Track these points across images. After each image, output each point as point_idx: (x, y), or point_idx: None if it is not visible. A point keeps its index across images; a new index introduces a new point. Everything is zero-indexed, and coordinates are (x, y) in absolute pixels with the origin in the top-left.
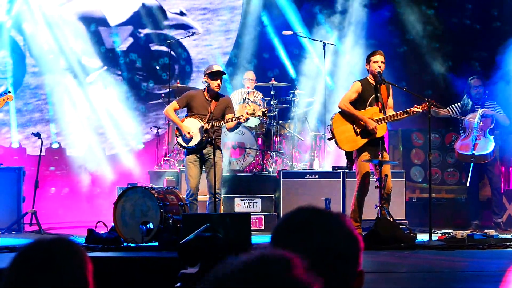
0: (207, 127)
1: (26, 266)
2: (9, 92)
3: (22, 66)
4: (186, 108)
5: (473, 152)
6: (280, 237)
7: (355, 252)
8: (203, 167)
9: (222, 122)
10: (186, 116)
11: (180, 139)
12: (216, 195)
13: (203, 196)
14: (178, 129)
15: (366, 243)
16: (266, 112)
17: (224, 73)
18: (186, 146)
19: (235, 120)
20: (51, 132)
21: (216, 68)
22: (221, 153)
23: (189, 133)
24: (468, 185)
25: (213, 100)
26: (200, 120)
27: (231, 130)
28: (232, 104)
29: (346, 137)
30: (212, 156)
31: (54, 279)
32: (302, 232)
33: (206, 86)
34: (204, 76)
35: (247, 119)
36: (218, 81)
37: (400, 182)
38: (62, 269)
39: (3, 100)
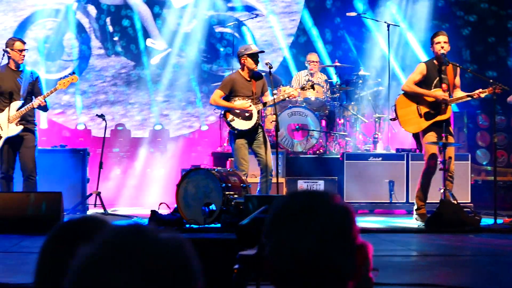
0: (258, 108)
1: (56, 246)
2: (74, 73)
3: (88, 48)
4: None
5: None
6: (281, 224)
7: (352, 227)
8: (252, 148)
9: (275, 99)
10: (232, 99)
11: (235, 123)
12: (271, 174)
13: (253, 179)
14: (229, 113)
15: (429, 225)
16: (313, 84)
17: (263, 51)
18: (244, 129)
19: (286, 98)
20: (115, 114)
21: (255, 48)
22: (276, 134)
23: (250, 106)
24: None
25: (253, 80)
26: (249, 101)
27: (270, 105)
28: (266, 82)
29: (409, 118)
30: (259, 137)
31: None
32: (302, 216)
33: (244, 66)
34: (242, 57)
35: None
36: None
37: (465, 165)
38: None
39: (68, 81)
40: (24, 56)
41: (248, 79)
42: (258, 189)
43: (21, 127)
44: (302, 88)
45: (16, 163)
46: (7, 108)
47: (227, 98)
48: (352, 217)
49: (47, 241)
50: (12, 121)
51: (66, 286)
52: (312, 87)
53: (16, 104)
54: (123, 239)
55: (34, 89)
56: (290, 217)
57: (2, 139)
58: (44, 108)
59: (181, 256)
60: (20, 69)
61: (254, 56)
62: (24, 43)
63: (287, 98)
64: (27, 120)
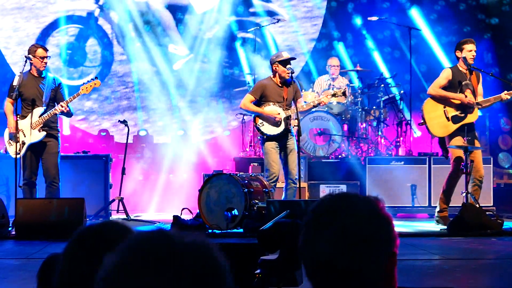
0: (288, 114)
1: (78, 251)
2: (97, 78)
3: (110, 54)
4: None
5: None
6: (308, 224)
7: (384, 233)
8: (281, 154)
9: (305, 107)
10: (263, 105)
11: (264, 128)
12: (295, 180)
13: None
14: (259, 117)
15: (452, 229)
16: (345, 91)
17: (295, 58)
18: (273, 134)
19: (317, 104)
20: (138, 119)
21: (286, 55)
22: (298, 139)
23: (279, 114)
24: None
25: (284, 86)
26: (280, 107)
27: (304, 112)
28: (299, 88)
29: (437, 122)
30: (289, 143)
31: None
32: (326, 218)
33: (276, 73)
34: (274, 64)
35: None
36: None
37: (487, 168)
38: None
39: (91, 85)
40: (46, 63)
41: (280, 85)
42: (283, 196)
43: (44, 133)
44: (334, 95)
45: (39, 170)
46: (30, 115)
47: (259, 103)
48: (385, 224)
49: (69, 246)
50: (35, 127)
51: None
52: (344, 94)
53: (38, 110)
54: (149, 244)
55: (56, 95)
56: (316, 218)
57: (26, 145)
58: (68, 114)
59: (209, 258)
60: (42, 76)
61: (286, 63)
62: (46, 50)
63: (319, 105)
64: (50, 126)
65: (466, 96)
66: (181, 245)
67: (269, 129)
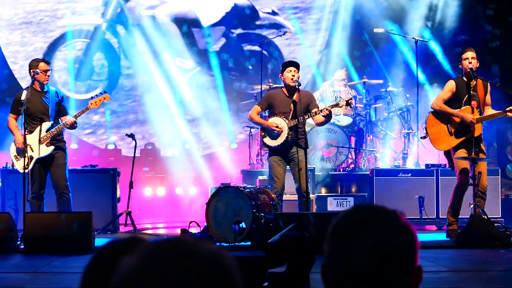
0: (292, 125)
1: (102, 266)
2: (105, 92)
3: (117, 68)
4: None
5: None
6: (338, 234)
7: (412, 248)
8: (289, 167)
9: (306, 117)
10: (269, 116)
11: (267, 139)
12: (304, 194)
13: (293, 195)
14: (263, 129)
15: (460, 241)
16: (350, 101)
17: (297, 64)
18: (273, 145)
19: (319, 113)
20: (145, 133)
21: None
22: (305, 151)
23: (277, 126)
24: None
25: (293, 97)
26: (284, 118)
27: (320, 124)
28: (314, 98)
29: (440, 136)
30: (295, 156)
31: None
32: (359, 229)
33: (284, 83)
34: (280, 74)
35: (330, 112)
36: (292, 73)
37: (495, 179)
38: None
39: (100, 100)
40: (48, 76)
41: (288, 95)
42: (298, 207)
43: (52, 147)
44: (337, 105)
45: (47, 182)
46: (38, 129)
47: (269, 114)
48: (414, 238)
49: (92, 260)
50: (43, 142)
51: None
52: (348, 103)
53: (46, 125)
54: (165, 249)
55: (59, 108)
56: (348, 228)
57: (34, 160)
58: (72, 126)
59: (223, 264)
60: (44, 90)
61: (287, 66)
62: (48, 63)
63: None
64: (56, 139)
65: (472, 110)
66: (197, 252)
67: (270, 141)
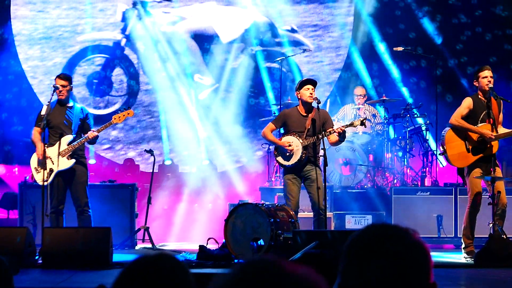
0: (306, 143)
1: (131, 282)
2: (129, 107)
3: (136, 84)
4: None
5: None
6: (352, 253)
7: (426, 264)
8: (304, 184)
9: (320, 136)
10: (283, 135)
11: (280, 158)
12: (321, 212)
13: (308, 213)
14: (276, 148)
15: (479, 261)
16: (364, 121)
17: (315, 82)
18: (286, 164)
19: (333, 132)
20: (163, 149)
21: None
22: (321, 170)
23: (290, 144)
24: None
25: (310, 115)
26: (298, 137)
27: (334, 144)
28: (330, 118)
29: (457, 153)
30: (311, 174)
31: None
32: (373, 247)
33: (300, 101)
34: (296, 92)
35: (343, 132)
36: (310, 90)
37: None
38: (166, 285)
39: (124, 115)
40: (60, 91)
41: (304, 114)
42: (312, 225)
43: (73, 160)
44: (351, 125)
45: (67, 198)
46: (58, 143)
47: (284, 132)
48: (427, 254)
49: (121, 276)
50: (63, 155)
51: None
52: (363, 123)
53: (66, 138)
54: (260, 269)
55: (84, 125)
56: (361, 247)
57: (53, 173)
58: (92, 141)
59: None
60: (68, 105)
61: (305, 84)
62: (62, 78)
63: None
64: (78, 154)
65: (492, 127)
66: (292, 277)
67: (283, 160)
